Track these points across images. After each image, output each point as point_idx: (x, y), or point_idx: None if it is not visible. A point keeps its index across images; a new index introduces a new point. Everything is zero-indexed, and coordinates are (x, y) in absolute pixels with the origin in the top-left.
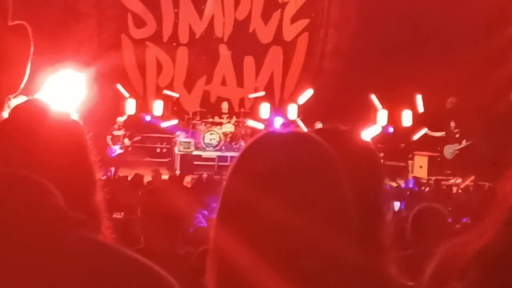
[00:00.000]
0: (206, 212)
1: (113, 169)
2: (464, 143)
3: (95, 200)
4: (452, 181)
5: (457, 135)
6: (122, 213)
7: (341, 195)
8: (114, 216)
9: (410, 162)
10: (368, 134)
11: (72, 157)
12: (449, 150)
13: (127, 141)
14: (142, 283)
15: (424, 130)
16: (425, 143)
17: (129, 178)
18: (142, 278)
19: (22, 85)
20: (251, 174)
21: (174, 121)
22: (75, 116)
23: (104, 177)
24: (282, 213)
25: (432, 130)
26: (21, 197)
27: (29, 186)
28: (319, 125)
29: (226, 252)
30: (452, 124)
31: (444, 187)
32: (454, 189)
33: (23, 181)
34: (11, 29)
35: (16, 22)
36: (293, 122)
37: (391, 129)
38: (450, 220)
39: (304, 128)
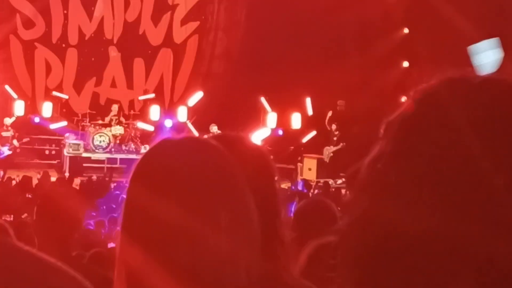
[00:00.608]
0: (94, 214)
1: (1, 171)
2: (340, 145)
3: None
4: (340, 182)
5: (335, 138)
6: (12, 216)
7: (243, 199)
8: (3, 218)
9: (299, 164)
10: (258, 136)
11: None
12: (326, 152)
13: (15, 143)
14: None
15: (313, 133)
16: (314, 146)
17: (17, 180)
18: (61, 283)
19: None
20: (151, 182)
21: (63, 123)
22: None
23: None
24: (184, 220)
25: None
26: None
27: None
28: (213, 127)
29: (133, 263)
30: (334, 126)
31: (333, 189)
32: (343, 190)
33: None
34: None
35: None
36: (183, 124)
37: (280, 132)
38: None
39: (195, 131)
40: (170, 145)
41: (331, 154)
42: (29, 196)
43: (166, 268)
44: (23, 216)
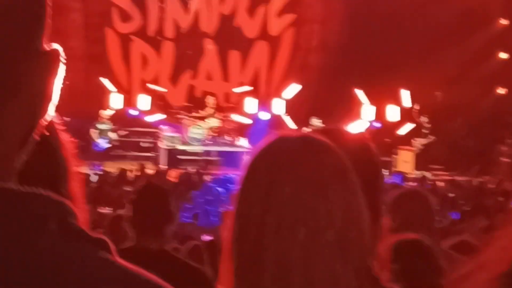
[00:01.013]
0: (190, 207)
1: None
2: (429, 138)
3: (69, 189)
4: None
5: (426, 130)
6: (111, 209)
7: (356, 200)
8: (99, 210)
9: (394, 157)
10: (355, 128)
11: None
12: (415, 145)
13: (113, 135)
14: None
15: (410, 125)
16: (411, 138)
17: (114, 173)
18: None
19: (52, 108)
20: (266, 176)
21: (159, 116)
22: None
23: (90, 172)
24: (299, 216)
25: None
26: (38, 217)
27: (48, 206)
28: (314, 120)
29: (246, 252)
30: (424, 119)
31: (430, 182)
32: (440, 184)
33: (42, 200)
34: (46, 54)
35: (51, 47)
36: (279, 116)
37: (377, 124)
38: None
39: (291, 123)
40: (286, 142)
41: (422, 147)
42: (127, 188)
43: (276, 263)
44: (120, 210)
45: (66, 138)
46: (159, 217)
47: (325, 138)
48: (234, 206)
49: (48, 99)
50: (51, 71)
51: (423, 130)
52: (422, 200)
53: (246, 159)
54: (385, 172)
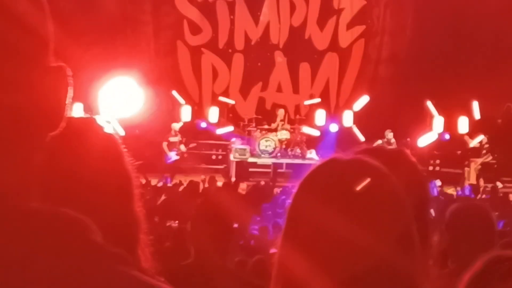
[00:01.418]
0: (259, 219)
1: (168, 176)
2: (487, 157)
3: (134, 210)
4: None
5: (484, 150)
6: (177, 222)
7: (406, 224)
8: (168, 224)
9: (466, 169)
10: (425, 140)
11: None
12: (473, 167)
13: (183, 148)
14: None
15: (481, 137)
16: (482, 150)
17: (184, 185)
18: None
19: (62, 125)
20: (316, 197)
21: (230, 128)
22: (108, 128)
23: (160, 184)
24: (346, 237)
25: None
26: (59, 235)
27: (67, 223)
28: (389, 134)
29: (292, 273)
30: (483, 139)
31: (501, 194)
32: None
33: (60, 217)
34: (51, 70)
35: (57, 64)
36: (349, 129)
37: (447, 136)
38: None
39: (361, 136)
40: (337, 165)
41: (479, 167)
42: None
43: (326, 280)
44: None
45: (127, 154)
46: (218, 234)
47: (380, 157)
48: (284, 225)
49: (59, 113)
50: (59, 87)
51: (483, 151)
52: (482, 214)
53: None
54: (453, 185)
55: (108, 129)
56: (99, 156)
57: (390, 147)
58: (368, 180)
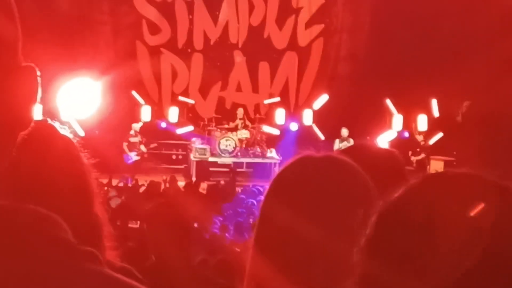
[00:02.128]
0: (220, 219)
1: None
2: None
3: (94, 213)
4: None
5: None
6: (138, 222)
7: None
8: (130, 225)
9: (427, 167)
10: (384, 139)
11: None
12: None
13: (143, 148)
14: None
15: (440, 135)
16: (441, 148)
17: (145, 186)
18: None
19: (31, 124)
20: (288, 198)
21: (190, 128)
22: (64, 130)
23: (121, 184)
24: (319, 238)
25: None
26: (29, 232)
27: (35, 219)
28: (344, 131)
29: (266, 274)
30: (420, 137)
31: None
32: None
33: (28, 214)
34: (21, 70)
35: (27, 64)
36: (309, 127)
37: (406, 134)
38: None
39: (320, 134)
40: (309, 163)
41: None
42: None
43: (300, 280)
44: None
45: (85, 156)
46: (178, 234)
47: (356, 153)
48: (257, 224)
49: (29, 113)
50: (30, 86)
51: (417, 149)
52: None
53: (272, 176)
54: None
55: (65, 132)
56: (57, 158)
57: (348, 144)
58: (338, 175)
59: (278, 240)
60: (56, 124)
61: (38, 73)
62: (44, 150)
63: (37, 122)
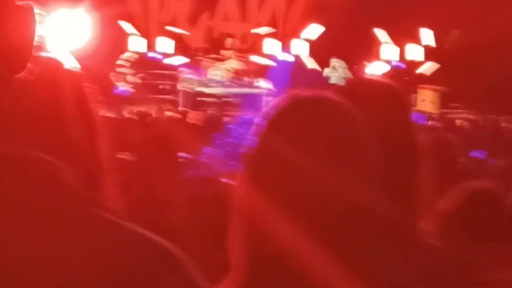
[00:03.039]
0: (210, 149)
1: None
2: None
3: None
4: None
5: None
6: (126, 153)
7: (364, 153)
8: (119, 156)
9: (413, 95)
10: (377, 69)
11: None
12: None
13: (130, 78)
14: (152, 262)
15: (428, 64)
16: (430, 77)
17: (132, 115)
18: (153, 256)
19: (28, 64)
20: (282, 138)
21: (178, 58)
22: (69, 64)
23: (109, 115)
24: (312, 172)
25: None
26: (31, 178)
27: (39, 167)
28: (333, 61)
29: (259, 216)
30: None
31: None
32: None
33: (32, 161)
34: (18, 9)
35: (24, 2)
36: (298, 57)
37: (397, 63)
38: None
39: (311, 64)
40: (301, 104)
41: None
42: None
43: (291, 215)
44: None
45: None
46: (167, 165)
47: (355, 88)
48: (249, 168)
49: (26, 53)
50: (26, 26)
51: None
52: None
53: (262, 118)
54: None
55: (70, 66)
56: (65, 96)
57: (337, 73)
58: (329, 114)
59: (273, 182)
60: (60, 57)
61: (39, 11)
62: (51, 89)
63: (42, 59)
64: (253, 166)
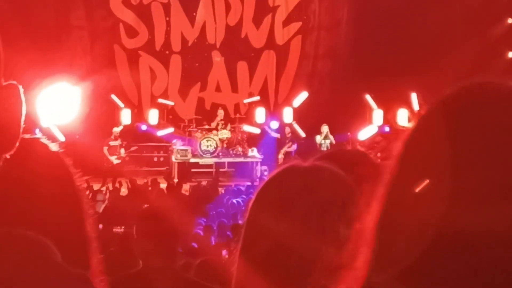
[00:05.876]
0: (204, 220)
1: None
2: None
3: (86, 227)
4: None
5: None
6: (122, 227)
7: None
8: (114, 230)
9: None
10: (365, 134)
11: (58, 194)
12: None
13: (123, 152)
14: None
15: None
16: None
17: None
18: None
19: (17, 143)
20: (273, 207)
21: (170, 129)
22: (54, 147)
23: (103, 189)
24: (303, 246)
25: None
26: (21, 257)
27: (28, 245)
28: (324, 127)
29: (252, 284)
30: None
31: None
32: None
33: (21, 240)
34: (4, 89)
35: (8, 82)
36: (289, 125)
37: (387, 129)
38: None
39: (301, 132)
40: (293, 172)
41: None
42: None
43: (281, 280)
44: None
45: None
46: (162, 239)
47: (338, 158)
48: (243, 234)
49: (15, 132)
50: (14, 105)
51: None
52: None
53: (258, 185)
54: None
55: (53, 147)
56: (49, 177)
57: (328, 141)
58: (323, 183)
59: (264, 250)
60: (43, 139)
61: (22, 90)
62: (34, 170)
63: (27, 140)
64: (244, 240)
